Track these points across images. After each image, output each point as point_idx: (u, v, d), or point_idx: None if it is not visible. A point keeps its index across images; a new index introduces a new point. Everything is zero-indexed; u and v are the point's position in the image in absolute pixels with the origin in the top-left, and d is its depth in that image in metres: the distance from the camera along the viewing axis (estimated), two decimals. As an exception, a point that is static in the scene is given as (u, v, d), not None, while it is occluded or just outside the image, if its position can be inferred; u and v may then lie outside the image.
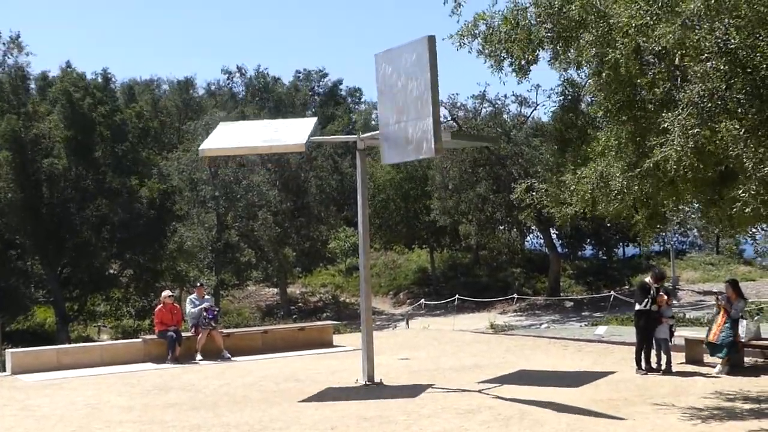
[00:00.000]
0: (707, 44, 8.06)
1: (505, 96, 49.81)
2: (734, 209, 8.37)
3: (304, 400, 11.09)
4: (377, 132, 12.11)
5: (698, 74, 8.22)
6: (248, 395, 11.58)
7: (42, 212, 36.61)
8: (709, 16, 7.81)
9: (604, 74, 8.79)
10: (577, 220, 12.62)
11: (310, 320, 31.70)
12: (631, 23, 8.17)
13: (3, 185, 35.60)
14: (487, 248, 47.49)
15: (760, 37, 8.12)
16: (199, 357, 15.42)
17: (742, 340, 12.49)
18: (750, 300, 22.62)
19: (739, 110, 8.12)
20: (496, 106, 41.27)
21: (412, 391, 11.60)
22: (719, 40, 8.09)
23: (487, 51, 9.75)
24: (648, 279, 13.06)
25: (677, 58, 8.21)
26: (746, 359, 13.01)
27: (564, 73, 10.38)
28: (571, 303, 39.58)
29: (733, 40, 8.08)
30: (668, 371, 12.53)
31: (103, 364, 14.86)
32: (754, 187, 8.01)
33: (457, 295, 34.83)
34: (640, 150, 9.12)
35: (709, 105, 8.22)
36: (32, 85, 47.64)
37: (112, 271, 40.67)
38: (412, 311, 38.44)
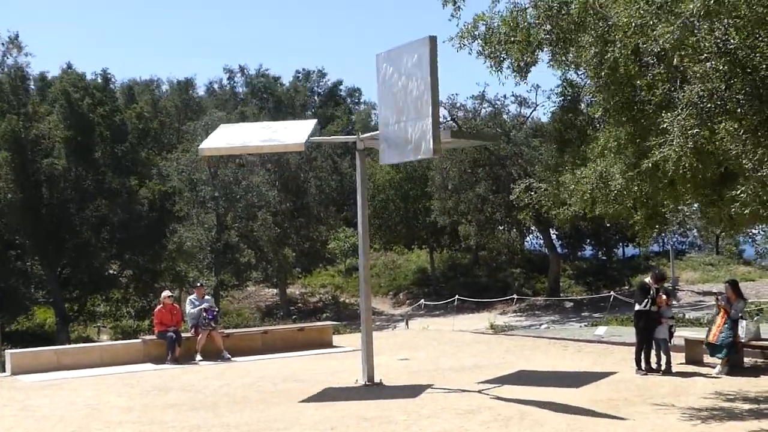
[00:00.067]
0: (707, 44, 8.07)
1: (505, 96, 49.99)
2: (732, 209, 8.37)
3: (303, 401, 11.09)
4: (377, 132, 12.10)
5: (698, 74, 8.23)
6: (248, 396, 11.58)
7: (42, 213, 36.63)
8: (709, 17, 7.82)
9: (603, 73, 8.79)
10: (576, 221, 12.63)
11: (310, 321, 31.71)
12: (631, 23, 8.18)
13: (3, 185, 35.62)
14: (487, 248, 47.51)
15: (760, 38, 8.13)
16: (198, 357, 15.41)
17: (742, 341, 12.49)
18: (749, 300, 22.63)
19: (739, 110, 8.12)
20: (496, 106, 41.34)
21: (412, 391, 11.59)
22: (719, 41, 8.10)
23: (486, 52, 9.76)
24: (648, 279, 13.06)
25: (676, 59, 8.21)
26: (746, 360, 13.00)
27: (563, 74, 10.40)
28: (571, 303, 39.59)
29: (732, 41, 8.08)
30: (668, 371, 12.53)
31: (102, 365, 14.85)
32: (752, 187, 8.01)
33: (456, 296, 34.84)
34: (639, 150, 9.12)
35: (709, 105, 8.22)
36: (32, 86, 47.68)
37: (111, 272, 40.70)
38: (411, 311, 38.44)
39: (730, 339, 12.30)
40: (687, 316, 23.72)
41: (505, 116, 41.94)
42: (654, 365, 12.73)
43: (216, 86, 74.02)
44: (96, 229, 38.26)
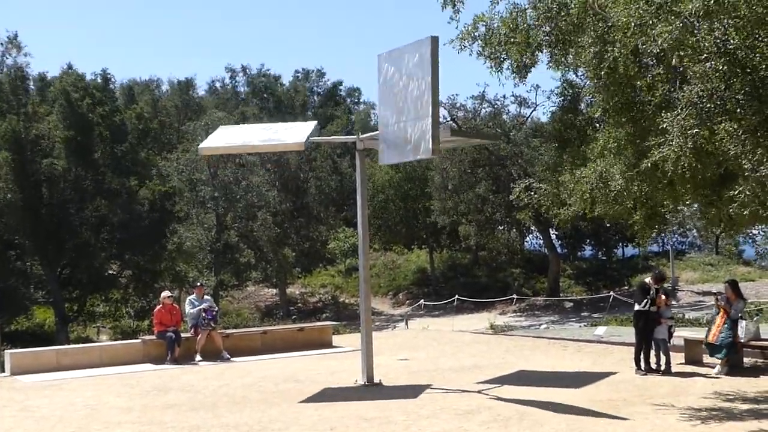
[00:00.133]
0: (706, 45, 8.06)
1: (504, 97, 49.98)
2: (731, 209, 8.37)
3: (303, 401, 11.08)
4: (377, 132, 12.09)
5: (697, 74, 8.23)
6: (247, 396, 11.57)
7: (41, 213, 36.62)
8: (708, 17, 7.82)
9: (603, 74, 8.79)
10: (576, 221, 12.63)
11: (310, 321, 31.72)
12: (630, 23, 8.18)
13: (2, 186, 35.60)
14: (487, 249, 47.52)
15: (759, 38, 8.13)
16: (198, 358, 15.40)
17: (742, 341, 12.49)
18: (749, 300, 22.62)
19: (738, 111, 8.12)
20: (496, 106, 41.34)
21: (412, 391, 11.59)
22: (718, 41, 8.09)
23: (486, 53, 9.76)
24: (648, 280, 13.06)
25: (674, 59, 8.20)
26: (745, 360, 13.00)
27: (563, 75, 10.41)
28: (571, 303, 39.59)
29: (732, 41, 8.08)
30: (667, 372, 12.53)
31: (102, 365, 14.84)
32: (750, 187, 8.01)
33: (456, 296, 34.83)
34: (639, 151, 9.12)
35: (708, 105, 8.22)
36: (32, 86, 47.69)
37: (111, 272, 40.69)
38: (411, 312, 38.42)
39: (729, 339, 12.30)
40: (687, 316, 23.73)
41: (504, 116, 41.95)
42: (653, 365, 12.73)
43: (218, 85, 74.13)
44: (96, 229, 38.26)
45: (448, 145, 14.73)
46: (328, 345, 17.37)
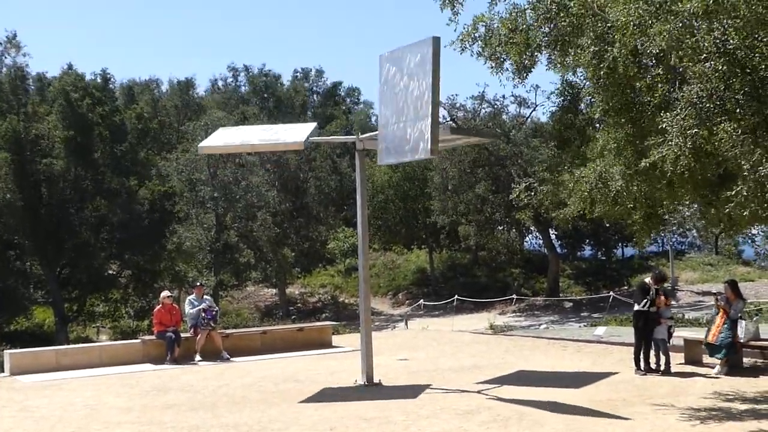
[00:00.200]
0: (706, 45, 8.07)
1: (504, 97, 49.98)
2: (727, 209, 8.37)
3: (303, 401, 11.09)
4: (376, 133, 12.09)
5: (697, 75, 8.23)
6: (247, 396, 11.58)
7: (41, 213, 36.61)
8: (708, 17, 7.82)
9: (602, 74, 8.79)
10: (576, 221, 12.64)
11: (309, 321, 31.71)
12: (629, 23, 8.18)
13: (2, 186, 35.59)
14: (486, 249, 47.52)
15: (759, 38, 8.13)
16: (198, 358, 15.40)
17: (741, 341, 12.49)
18: (749, 300, 22.62)
19: (738, 111, 8.12)
20: (495, 106, 41.31)
21: (411, 391, 11.59)
22: (718, 41, 8.10)
23: (486, 53, 9.76)
24: (648, 280, 13.07)
25: (673, 58, 8.21)
26: (745, 360, 13.01)
27: (563, 75, 10.40)
28: (570, 303, 39.59)
29: (731, 41, 8.08)
30: (667, 372, 12.53)
31: (102, 365, 14.84)
32: (747, 188, 8.01)
33: (456, 296, 34.82)
34: (638, 152, 9.12)
35: (708, 105, 8.22)
36: (31, 86, 47.68)
37: (111, 272, 40.68)
38: (411, 312, 38.42)
39: (729, 339, 12.30)
40: (686, 316, 23.72)
41: (504, 116, 41.93)
42: (653, 365, 12.73)
43: (221, 83, 74.15)
44: (95, 229, 38.25)
45: (448, 145, 14.72)
46: (328, 345, 17.37)
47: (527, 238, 50.14)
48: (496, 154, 38.45)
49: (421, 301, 38.63)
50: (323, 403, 10.94)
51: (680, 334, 14.01)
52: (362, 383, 12.27)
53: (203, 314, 15.65)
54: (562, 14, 9.18)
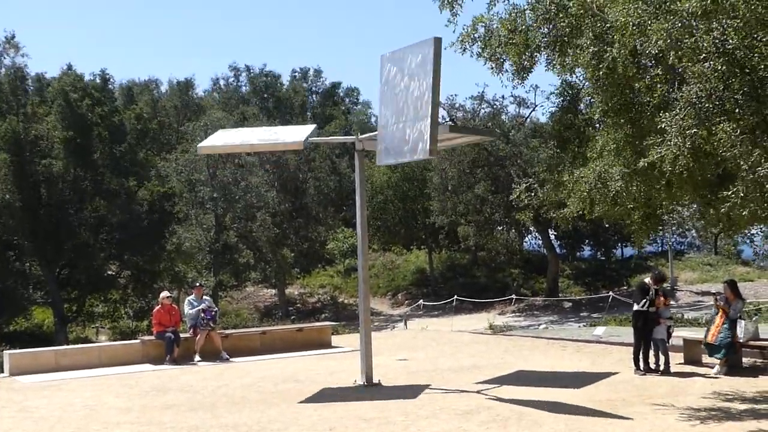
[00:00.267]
0: (705, 45, 8.07)
1: (503, 97, 49.96)
2: (726, 209, 8.37)
3: (302, 401, 11.09)
4: (376, 133, 12.09)
5: (696, 75, 8.23)
6: (246, 396, 11.57)
7: (40, 213, 36.60)
8: (707, 16, 7.83)
9: (601, 74, 8.80)
10: (576, 221, 12.64)
11: (309, 321, 31.70)
12: (629, 23, 8.18)
13: (1, 186, 35.58)
14: (486, 249, 47.53)
15: (758, 38, 8.13)
16: (197, 358, 15.41)
17: (741, 341, 12.50)
18: (748, 300, 22.63)
19: (737, 111, 8.12)
20: (495, 107, 41.32)
21: (411, 391, 11.59)
22: (717, 41, 8.10)
23: (486, 54, 9.76)
24: (647, 280, 13.07)
25: (671, 58, 8.21)
26: (744, 360, 13.01)
27: (562, 76, 10.40)
28: (570, 303, 39.60)
29: (731, 41, 8.08)
30: (666, 372, 12.54)
31: (101, 366, 14.84)
32: (745, 188, 8.01)
33: (455, 296, 34.85)
34: (638, 152, 9.12)
35: (707, 105, 8.23)
36: (30, 86, 47.66)
37: (110, 272, 40.67)
38: (410, 312, 38.43)
39: (728, 339, 12.31)
40: (686, 316, 23.73)
41: (504, 117, 41.94)
42: (652, 365, 12.74)
43: (222, 83, 74.18)
44: (94, 229, 38.24)
45: (447, 144, 14.71)
46: (327, 345, 17.37)
47: (526, 238, 50.19)
48: (495, 154, 38.45)
49: (421, 301, 38.65)
50: (322, 403, 10.94)
51: (679, 334, 14.02)
52: (362, 383, 12.27)
53: (202, 315, 15.65)
54: (561, 15, 9.19)
